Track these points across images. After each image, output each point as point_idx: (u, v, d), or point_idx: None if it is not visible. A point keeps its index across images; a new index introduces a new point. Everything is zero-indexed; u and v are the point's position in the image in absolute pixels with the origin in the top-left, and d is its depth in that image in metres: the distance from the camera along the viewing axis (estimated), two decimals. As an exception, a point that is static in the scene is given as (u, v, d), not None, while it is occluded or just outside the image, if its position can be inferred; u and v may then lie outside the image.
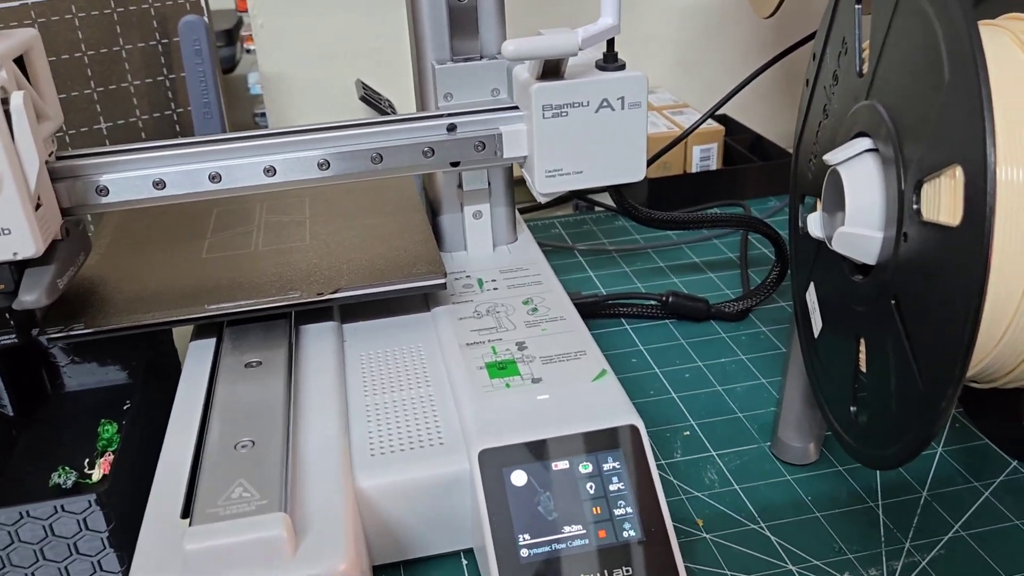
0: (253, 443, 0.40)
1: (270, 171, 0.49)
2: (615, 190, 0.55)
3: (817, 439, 0.49)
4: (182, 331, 0.54)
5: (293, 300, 0.49)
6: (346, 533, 0.37)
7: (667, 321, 0.63)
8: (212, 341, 0.50)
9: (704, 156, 0.82)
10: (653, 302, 0.63)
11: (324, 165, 0.49)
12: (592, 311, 0.63)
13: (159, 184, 0.48)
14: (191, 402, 0.45)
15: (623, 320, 0.63)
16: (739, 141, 0.88)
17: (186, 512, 0.38)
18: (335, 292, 0.49)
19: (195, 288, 0.50)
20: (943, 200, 0.33)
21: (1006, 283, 0.34)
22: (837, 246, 0.40)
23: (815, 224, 0.44)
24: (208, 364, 0.48)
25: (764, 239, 0.75)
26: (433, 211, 0.60)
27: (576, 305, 0.61)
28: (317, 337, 0.51)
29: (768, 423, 0.52)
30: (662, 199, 0.80)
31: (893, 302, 0.37)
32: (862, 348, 0.42)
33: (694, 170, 0.82)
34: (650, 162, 0.75)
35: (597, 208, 0.83)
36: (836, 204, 0.41)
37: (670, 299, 0.61)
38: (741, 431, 0.51)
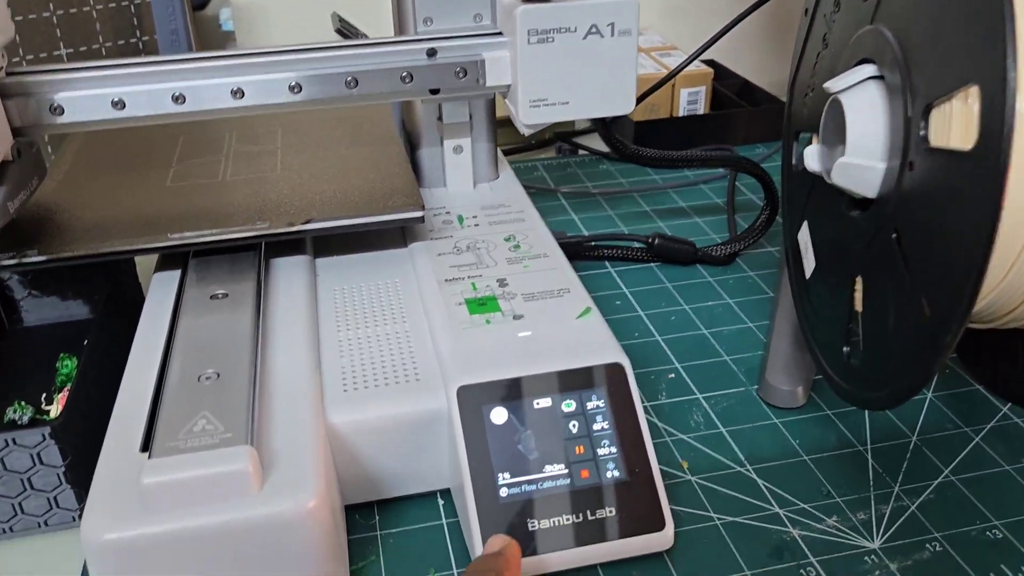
0: (218, 375, 0.38)
1: (238, 93, 0.46)
2: (602, 124, 0.53)
3: (805, 382, 0.47)
4: (146, 264, 0.52)
5: (262, 231, 0.46)
6: (316, 469, 0.35)
7: (652, 264, 0.61)
8: (177, 273, 0.48)
9: (692, 100, 0.79)
10: (638, 244, 0.61)
11: (296, 88, 0.46)
12: (575, 252, 0.61)
13: (118, 104, 0.45)
14: (153, 335, 0.43)
15: (607, 263, 0.62)
16: (728, 87, 0.86)
17: (146, 446, 0.36)
18: (306, 223, 0.46)
19: (158, 217, 0.48)
20: (954, 124, 0.31)
21: (1017, 213, 0.32)
22: (836, 178, 0.38)
23: (812, 157, 0.42)
24: (172, 296, 0.46)
25: (751, 185, 0.73)
26: (412, 145, 0.58)
27: (562, 246, 0.59)
28: (288, 271, 0.48)
29: (755, 367, 0.50)
30: (649, 143, 0.77)
31: (894, 235, 0.36)
32: (857, 287, 0.40)
33: (682, 113, 0.80)
34: (637, 102, 0.72)
35: (581, 152, 0.81)
36: (836, 135, 0.39)
37: (656, 241, 0.60)
38: (727, 374, 0.50)
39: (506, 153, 0.81)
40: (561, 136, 0.81)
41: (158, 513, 0.33)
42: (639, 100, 0.70)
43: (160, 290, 0.47)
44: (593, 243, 0.61)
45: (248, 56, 0.46)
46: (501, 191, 0.58)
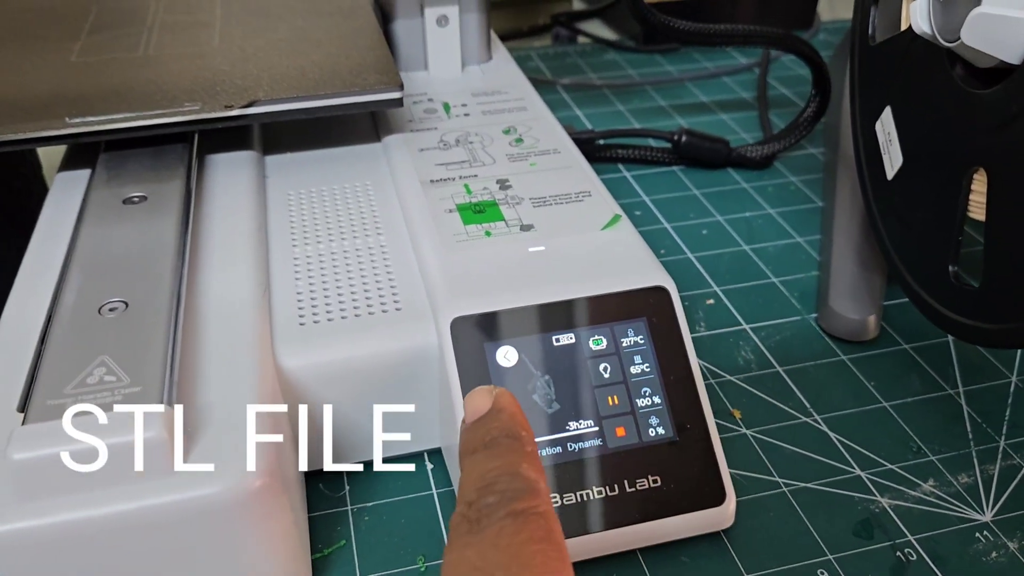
0: (126, 305, 0.28)
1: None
2: (626, -14, 0.42)
3: (878, 310, 0.38)
4: (52, 160, 0.41)
5: (190, 115, 0.35)
6: (260, 431, 0.25)
7: (674, 168, 0.51)
8: (87, 172, 0.37)
9: (712, -23, 0.68)
10: (662, 142, 0.51)
11: (231, -75, 0.35)
12: (585, 153, 0.50)
13: None
14: (48, 251, 0.33)
15: (620, 165, 0.51)
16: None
17: (25, 404, 0.26)
18: (249, 105, 0.36)
19: (55, 99, 0.37)
20: None
21: None
22: (969, 38, 0.28)
23: (921, 15, 0.32)
24: (78, 201, 0.35)
25: (784, 78, 0.63)
26: (385, 16, 0.46)
27: (567, 143, 0.49)
28: (228, 169, 0.38)
29: (810, 291, 0.41)
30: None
31: (1055, 112, 0.26)
32: (977, 187, 0.30)
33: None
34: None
35: (581, 39, 0.69)
36: (958, -19, 0.29)
37: (683, 139, 0.49)
38: (778, 300, 0.41)
39: (494, 41, 0.69)
40: (558, 20, 0.69)
41: (35, 501, 0.23)
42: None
43: (62, 193, 0.36)
44: (603, 141, 0.51)
45: None
46: (495, 76, 0.47)
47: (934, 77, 0.32)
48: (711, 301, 0.40)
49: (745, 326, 0.39)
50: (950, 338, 0.38)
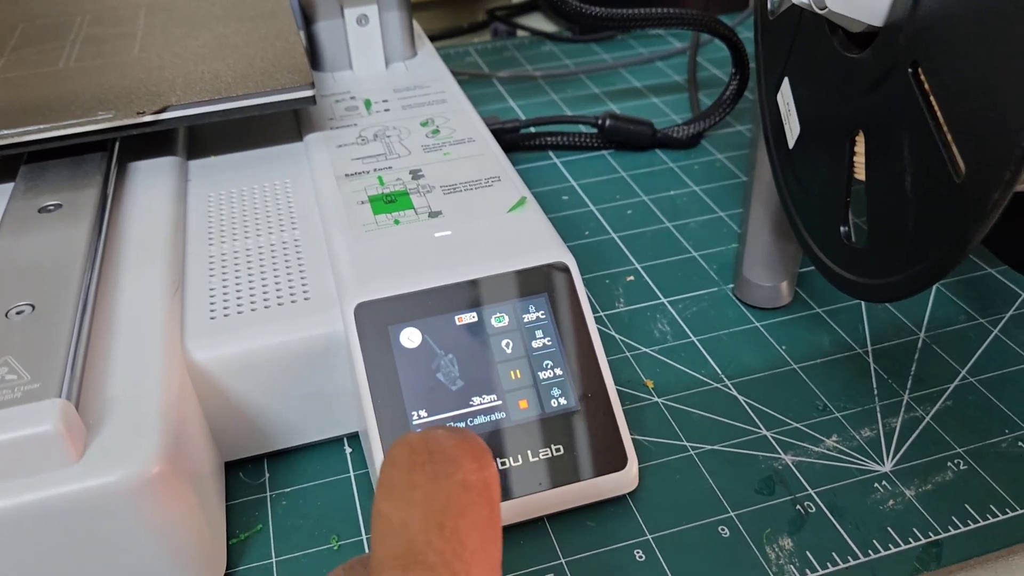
0: (32, 307, 0.29)
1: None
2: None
3: (791, 277, 0.39)
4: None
5: (104, 123, 0.36)
6: (163, 423, 0.26)
7: (604, 152, 0.52)
8: (9, 187, 0.38)
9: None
10: (587, 127, 0.52)
11: (134, -64, 0.36)
12: (513, 142, 0.52)
13: None
14: (-34, 262, 0.33)
15: (551, 152, 0.52)
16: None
17: (-68, 406, 0.27)
18: (162, 111, 0.37)
19: (-28, 114, 0.37)
20: None
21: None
22: (835, 4, 0.29)
23: (797, -15, 0.33)
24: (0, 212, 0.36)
25: (716, 59, 0.64)
26: (307, 19, 0.47)
27: (494, 134, 0.50)
28: (149, 176, 0.39)
29: (730, 263, 0.42)
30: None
31: (911, 70, 0.27)
32: (859, 149, 0.31)
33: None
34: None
35: (520, 32, 0.70)
36: (827, -50, 0.30)
37: (607, 123, 0.50)
38: (697, 272, 0.42)
39: (434, 39, 0.70)
40: (494, 15, 0.70)
41: (-62, 497, 0.24)
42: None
43: (-15, 207, 0.37)
44: (533, 129, 0.52)
45: None
46: (418, 71, 0.48)
47: (819, 46, 0.33)
48: (631, 278, 0.41)
49: (663, 300, 0.40)
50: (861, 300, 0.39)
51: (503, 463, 0.29)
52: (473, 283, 0.31)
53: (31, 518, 0.24)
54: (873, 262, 0.30)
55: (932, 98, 0.26)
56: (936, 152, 0.26)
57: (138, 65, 0.41)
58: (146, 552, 0.26)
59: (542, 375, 0.31)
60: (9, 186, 0.38)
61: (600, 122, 0.50)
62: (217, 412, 0.31)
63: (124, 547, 0.26)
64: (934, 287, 0.40)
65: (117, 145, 0.39)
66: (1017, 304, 0.39)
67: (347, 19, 0.47)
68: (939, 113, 0.26)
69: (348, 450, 0.33)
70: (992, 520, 0.29)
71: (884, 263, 0.29)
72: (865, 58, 0.30)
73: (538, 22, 0.71)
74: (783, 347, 0.37)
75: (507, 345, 0.31)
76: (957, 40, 0.25)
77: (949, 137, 0.25)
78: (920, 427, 0.33)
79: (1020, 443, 0.32)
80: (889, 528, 0.29)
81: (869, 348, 0.37)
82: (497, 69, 0.64)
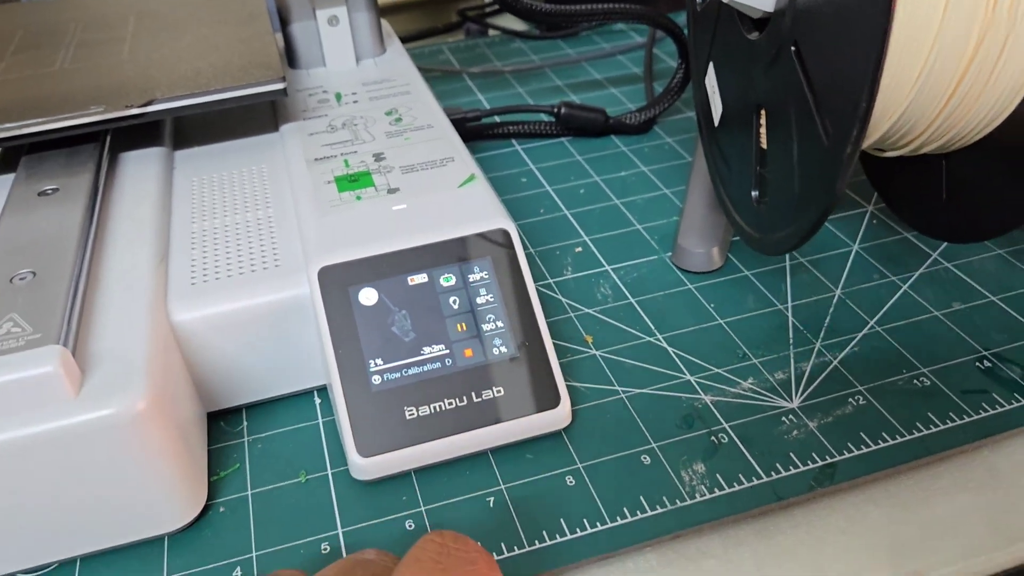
0: (34, 274, 0.33)
1: (51, -43, 0.40)
2: (487, -24, 0.47)
3: (721, 243, 0.43)
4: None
5: (95, 116, 0.40)
6: (147, 369, 0.30)
7: (563, 139, 0.56)
8: (10, 175, 0.42)
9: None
10: (544, 116, 0.56)
11: (119, -52, 0.40)
12: (477, 132, 0.56)
13: None
14: (-25, 241, 0.37)
15: (513, 141, 0.56)
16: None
17: (-52, 358, 0.31)
18: (147, 104, 0.41)
19: (-22, 111, 0.42)
20: None
21: (918, 12, 0.28)
22: (729, -8, 0.33)
23: (707, -22, 0.37)
24: (2, 196, 0.40)
25: (675, 52, 0.68)
26: (283, 21, 0.51)
27: (456, 124, 0.54)
28: (138, 164, 0.43)
29: (670, 234, 0.46)
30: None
31: (794, 49, 0.31)
32: (763, 121, 0.35)
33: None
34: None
35: (492, 32, 0.75)
36: (729, -54, 0.34)
37: (563, 111, 0.54)
38: (640, 243, 0.46)
39: (411, 39, 0.74)
40: (465, 15, 0.74)
41: (-45, 430, 0.28)
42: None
43: (-9, 194, 0.41)
44: (498, 119, 0.56)
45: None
46: (387, 66, 0.52)
47: (732, 32, 0.37)
48: (579, 249, 0.45)
49: (607, 267, 0.44)
50: (787, 262, 0.43)
51: (450, 403, 0.33)
52: (424, 248, 0.35)
53: (36, 446, 0.28)
54: (773, 220, 0.34)
55: (807, 72, 0.30)
56: (812, 120, 0.30)
57: (127, 65, 0.45)
58: (134, 479, 0.30)
59: (485, 327, 0.35)
60: (12, 176, 0.42)
61: (556, 110, 0.54)
62: (199, 367, 0.35)
63: (115, 474, 0.30)
64: (854, 249, 0.44)
65: (109, 137, 0.43)
66: (928, 263, 0.43)
67: (319, 20, 0.51)
68: (811, 86, 0.30)
69: (317, 401, 0.37)
70: (883, 445, 0.33)
71: (780, 220, 0.33)
72: (761, 40, 0.34)
73: (509, 21, 0.75)
74: (712, 305, 0.41)
75: (454, 302, 0.35)
76: (821, 22, 0.29)
77: (818, 107, 0.29)
78: (828, 370, 0.37)
79: (915, 381, 0.36)
80: (791, 454, 0.33)
81: (789, 304, 0.41)
82: (468, 65, 0.68)
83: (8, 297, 0.32)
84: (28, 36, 0.51)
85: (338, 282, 0.35)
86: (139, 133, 0.44)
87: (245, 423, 0.36)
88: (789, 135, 0.32)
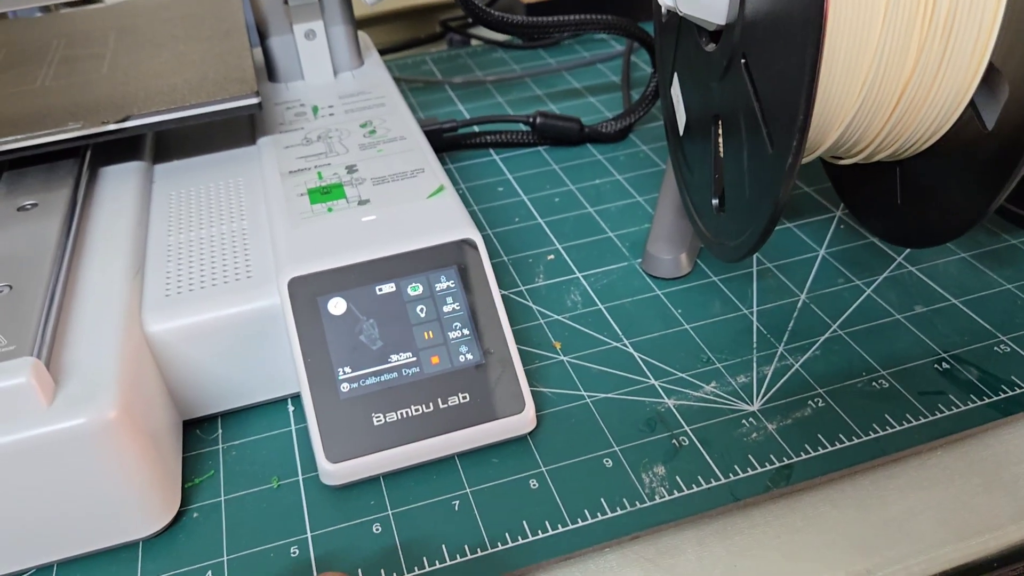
0: (10, 287, 0.34)
1: (29, -22, 0.41)
2: (460, -8, 0.48)
3: (690, 250, 0.44)
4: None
5: (73, 132, 0.41)
6: (119, 379, 0.31)
7: (540, 148, 0.57)
8: (-6, 191, 0.43)
9: (585, -26, 0.74)
10: (520, 125, 0.57)
11: (96, -32, 0.41)
12: (454, 142, 0.57)
13: None
14: (-44, 256, 0.38)
15: (491, 151, 0.57)
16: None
17: (-73, 371, 0.32)
18: (124, 120, 0.42)
19: (-40, 129, 0.42)
20: (787, -87, 0.27)
21: (858, 22, 0.29)
22: (684, 7, 0.34)
23: (665, -9, 0.38)
24: (-16, 215, 0.41)
25: (648, 61, 0.69)
26: (261, 35, 0.52)
27: (434, 134, 0.55)
28: (118, 178, 0.44)
29: (641, 241, 0.47)
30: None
31: (743, 61, 0.32)
32: (720, 131, 0.36)
33: (576, -9, 0.75)
34: (519, -23, 0.67)
35: (474, 42, 0.76)
36: (685, -39, 0.35)
37: (538, 120, 0.55)
38: (611, 250, 0.46)
39: (394, 50, 0.75)
40: (447, 26, 0.75)
41: (-69, 441, 0.29)
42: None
43: (-27, 210, 0.42)
44: (476, 127, 0.57)
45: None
46: (364, 79, 0.53)
47: (691, 44, 0.38)
48: (552, 257, 0.46)
49: (578, 274, 0.45)
50: (754, 268, 0.44)
51: (417, 409, 0.34)
52: (392, 258, 0.36)
53: (10, 455, 0.29)
54: (730, 227, 0.35)
55: (755, 84, 0.31)
56: (759, 131, 0.31)
57: (106, 82, 0.46)
58: (107, 487, 0.31)
59: (451, 335, 0.35)
60: (-6, 192, 0.43)
61: (532, 120, 0.55)
62: (173, 376, 0.36)
63: (88, 481, 0.31)
64: (820, 255, 0.45)
65: (89, 152, 0.44)
66: (892, 267, 0.43)
67: (296, 34, 0.52)
68: (759, 97, 0.30)
69: (291, 408, 0.38)
70: (840, 446, 0.34)
71: (736, 227, 0.34)
72: (715, 51, 0.35)
73: (490, 32, 0.76)
74: (679, 311, 0.42)
75: (421, 310, 0.36)
76: (765, 35, 0.30)
77: (763, 117, 0.30)
78: (789, 373, 0.38)
79: (874, 383, 0.37)
80: (750, 455, 0.34)
81: (755, 309, 0.41)
82: (450, 76, 0.69)
83: (-16, 311, 0.32)
84: (13, 53, 0.52)
85: (307, 292, 0.35)
86: (120, 147, 0.45)
87: (220, 431, 0.37)
88: (741, 144, 0.33)
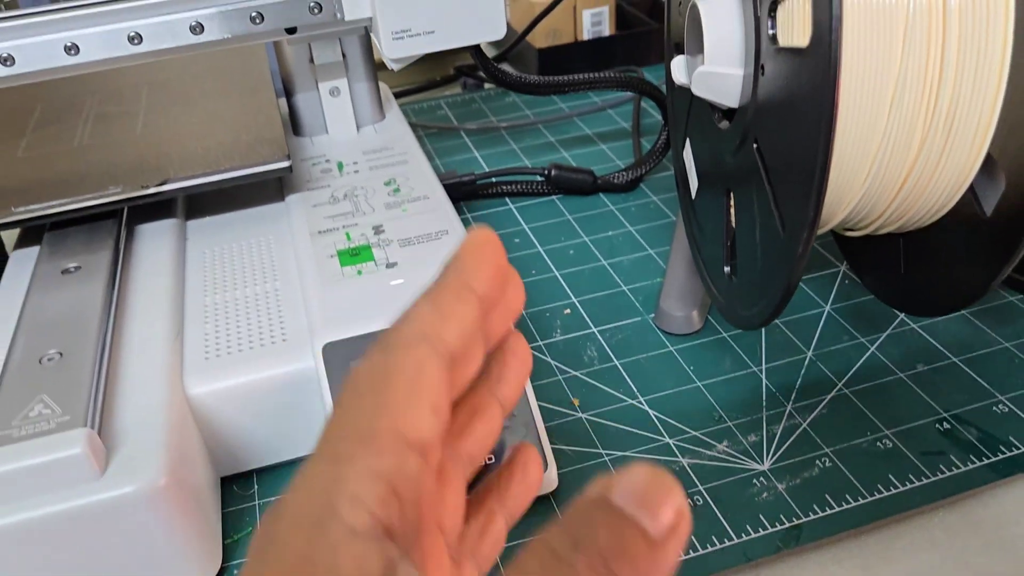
0: (61, 355, 0.36)
1: (72, 49, 0.43)
2: (479, 54, 0.50)
3: (701, 306, 0.46)
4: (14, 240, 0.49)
5: (114, 196, 0.43)
6: (167, 445, 0.33)
7: (554, 197, 0.59)
8: (36, 249, 0.45)
9: (595, 21, 0.76)
10: (536, 177, 0.59)
11: (136, 39, 0.43)
12: (472, 192, 0.59)
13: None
14: (4, 316, 0.40)
15: (507, 200, 0.59)
16: (637, 5, 0.83)
17: (-16, 437, 0.34)
18: (162, 184, 0.44)
19: (3, 190, 0.45)
20: (796, 20, 0.29)
21: (864, 114, 0.31)
22: (697, 89, 0.36)
23: (679, 69, 0.40)
24: (28, 274, 0.43)
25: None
26: (287, 91, 0.55)
27: (453, 186, 0.57)
28: (154, 237, 0.46)
29: (653, 295, 0.49)
30: (555, 71, 0.74)
31: (755, 145, 0.34)
32: (732, 202, 0.38)
33: (586, 37, 0.77)
34: (531, 26, 0.69)
35: (487, 86, 0.78)
36: (697, 44, 0.37)
37: (553, 172, 0.57)
38: (625, 304, 0.48)
39: (409, 93, 0.77)
40: (461, 71, 0.77)
41: (-5, 506, 0.31)
42: (533, 24, 0.68)
43: (17, 268, 0.44)
44: (491, 179, 0.59)
45: (81, 7, 0.42)
46: (386, 133, 0.55)
47: (705, 116, 0.40)
48: (568, 311, 0.48)
49: (594, 329, 0.47)
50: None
51: (445, 470, 0.36)
52: (420, 323, 0.38)
53: (65, 523, 0.31)
54: (741, 296, 0.37)
55: (767, 168, 0.33)
56: (770, 211, 0.32)
57: (141, 142, 0.48)
58: (155, 549, 0.33)
59: (477, 397, 0.37)
60: (34, 249, 0.45)
61: (547, 172, 0.57)
62: (212, 435, 0.38)
63: (138, 545, 0.32)
64: (825, 311, 0.46)
65: (126, 211, 0.46)
66: (895, 324, 0.45)
67: (321, 91, 0.54)
68: (771, 181, 0.32)
69: (322, 464, 0.40)
70: (847, 506, 0.36)
71: (747, 297, 0.36)
72: (728, 130, 0.37)
73: (503, 74, 0.79)
74: (691, 368, 0.44)
75: (448, 374, 0.38)
76: (777, 125, 0.32)
77: (775, 200, 0.32)
78: (797, 432, 0.39)
79: (879, 443, 0.39)
80: (760, 515, 0.36)
81: (763, 367, 0.43)
82: (465, 121, 0.71)
83: (39, 378, 0.34)
84: (48, 111, 0.54)
85: (341, 357, 0.37)
86: (155, 206, 0.47)
87: (256, 487, 0.39)
88: (753, 219, 0.35)
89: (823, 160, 0.27)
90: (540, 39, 0.75)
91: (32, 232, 0.46)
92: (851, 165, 0.31)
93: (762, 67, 0.32)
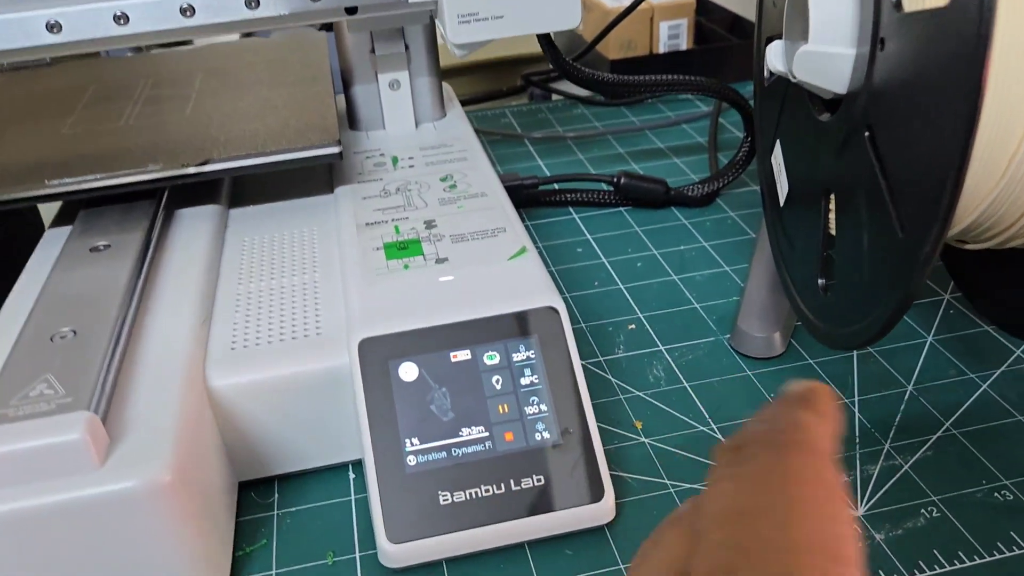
0: (74, 333, 0.32)
1: (121, 19, 0.40)
2: (549, 45, 0.46)
3: (784, 328, 0.41)
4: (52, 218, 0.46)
5: (152, 174, 0.40)
6: (177, 439, 0.29)
7: (621, 209, 0.55)
8: (69, 227, 0.42)
9: (673, 34, 0.73)
10: (603, 184, 0.55)
11: (188, 11, 0.41)
12: (534, 198, 0.55)
13: (53, 27, 0.39)
14: (26, 292, 0.37)
15: (571, 209, 0.55)
16: (716, 22, 0.79)
17: (-18, 416, 0.30)
18: (203, 164, 0.41)
19: (41, 164, 0.42)
20: (931, -23, 0.25)
21: (1013, 90, 0.26)
22: (800, 73, 0.32)
23: (776, 55, 0.35)
24: (57, 251, 0.40)
25: (739, 122, 0.66)
26: (345, 83, 0.52)
27: (513, 189, 0.53)
28: (193, 221, 0.43)
29: (729, 314, 0.44)
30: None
31: (867, 134, 0.29)
32: (832, 206, 0.33)
33: (662, 50, 0.73)
34: (603, 34, 0.66)
35: (555, 97, 0.74)
36: (800, 28, 0.33)
37: (622, 180, 0.53)
38: (697, 323, 0.43)
39: (474, 101, 0.74)
40: (529, 80, 0.74)
41: (-23, 494, 0.27)
42: (607, 30, 0.64)
43: (48, 244, 0.41)
44: (557, 185, 0.55)
45: (132, -23, 0.40)
46: (446, 131, 0.52)
47: (800, 111, 0.36)
48: (632, 326, 0.44)
49: (661, 347, 0.42)
50: (854, 352, 0.41)
51: (487, 490, 0.32)
52: (468, 323, 0.34)
53: (56, 516, 0.27)
54: (840, 311, 0.32)
55: (881, 159, 0.28)
56: (886, 211, 0.28)
57: (188, 123, 0.46)
58: (154, 554, 0.29)
59: (528, 410, 0.33)
60: (66, 228, 0.43)
61: (616, 180, 0.53)
62: (233, 434, 0.34)
63: (135, 547, 0.29)
64: (928, 341, 0.41)
65: (166, 193, 0.44)
66: (1010, 361, 0.39)
67: (381, 84, 0.51)
68: (887, 175, 0.28)
69: (352, 476, 0.36)
70: (960, 566, 0.30)
71: (848, 313, 0.31)
72: (832, 122, 0.32)
73: (572, 87, 0.75)
74: (772, 395, 0.38)
75: (497, 381, 0.33)
76: (899, 108, 0.27)
77: (892, 197, 0.27)
78: (897, 475, 0.34)
79: (996, 494, 0.33)
80: (855, 569, 0.30)
81: (856, 399, 0.38)
82: (530, 130, 0.68)
83: (47, 356, 0.31)
84: (101, 90, 0.52)
85: (379, 355, 0.33)
86: (198, 190, 0.45)
87: (276, 495, 0.35)
88: (859, 223, 0.30)
89: (964, 139, 0.23)
90: (613, 50, 0.72)
91: (70, 209, 0.44)
92: (989, 156, 0.26)
93: (882, 41, 0.27)
